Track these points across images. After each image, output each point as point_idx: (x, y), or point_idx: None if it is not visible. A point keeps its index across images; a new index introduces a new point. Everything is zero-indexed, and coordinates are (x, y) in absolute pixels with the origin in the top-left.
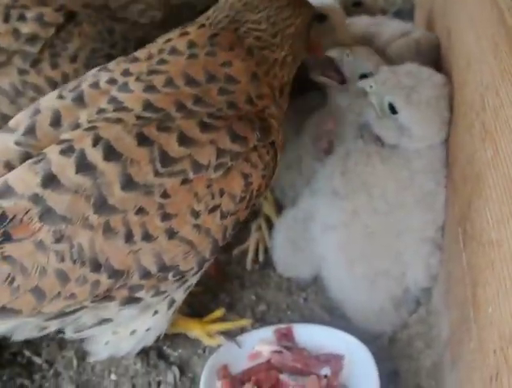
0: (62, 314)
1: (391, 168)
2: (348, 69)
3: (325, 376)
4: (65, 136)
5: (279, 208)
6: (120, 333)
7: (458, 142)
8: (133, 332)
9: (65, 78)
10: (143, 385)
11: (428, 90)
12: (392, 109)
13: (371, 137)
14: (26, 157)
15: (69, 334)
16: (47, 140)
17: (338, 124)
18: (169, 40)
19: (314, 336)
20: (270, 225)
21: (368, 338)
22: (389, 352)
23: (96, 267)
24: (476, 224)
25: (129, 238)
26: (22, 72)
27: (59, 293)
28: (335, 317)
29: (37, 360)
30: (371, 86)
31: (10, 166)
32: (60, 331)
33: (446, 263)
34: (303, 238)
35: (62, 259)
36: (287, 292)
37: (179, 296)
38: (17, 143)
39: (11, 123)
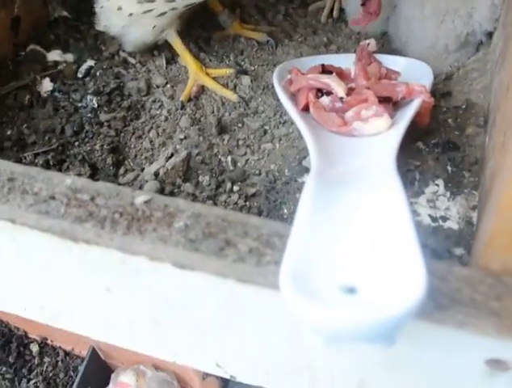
0: None
1: None
2: None
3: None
4: None
5: None
6: (111, 2)
7: None
8: (119, 9)
9: None
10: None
11: None
12: None
13: None
14: None
15: None
16: None
17: None
18: None
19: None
20: None
21: None
22: (444, 84)
23: None
24: None
25: None
26: None
27: None
28: None
29: (131, 60)
30: None
31: None
32: None
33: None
34: None
35: None
36: (355, 40)
37: None
38: None
39: None
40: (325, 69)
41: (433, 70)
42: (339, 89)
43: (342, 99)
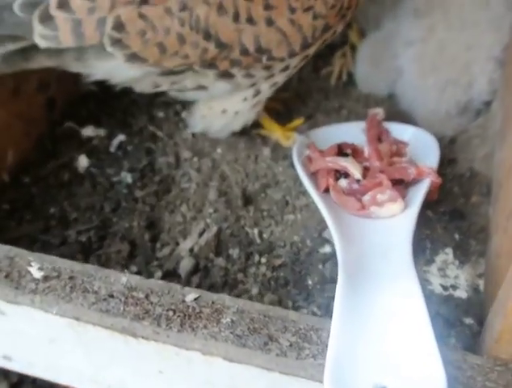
0: (172, 73)
1: None
2: None
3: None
4: None
5: (363, 36)
6: (214, 109)
7: None
8: (224, 111)
9: None
10: (244, 158)
11: None
12: None
13: None
14: None
15: (173, 92)
16: None
17: None
18: None
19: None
20: (355, 53)
21: None
22: (449, 149)
23: (207, 36)
24: None
25: (236, 18)
26: None
27: (177, 51)
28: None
29: (159, 133)
30: None
31: None
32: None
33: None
34: (382, 55)
35: (183, 25)
36: (364, 104)
37: (265, 88)
38: None
39: None
40: (341, 149)
41: (437, 132)
42: (356, 172)
43: (358, 181)
